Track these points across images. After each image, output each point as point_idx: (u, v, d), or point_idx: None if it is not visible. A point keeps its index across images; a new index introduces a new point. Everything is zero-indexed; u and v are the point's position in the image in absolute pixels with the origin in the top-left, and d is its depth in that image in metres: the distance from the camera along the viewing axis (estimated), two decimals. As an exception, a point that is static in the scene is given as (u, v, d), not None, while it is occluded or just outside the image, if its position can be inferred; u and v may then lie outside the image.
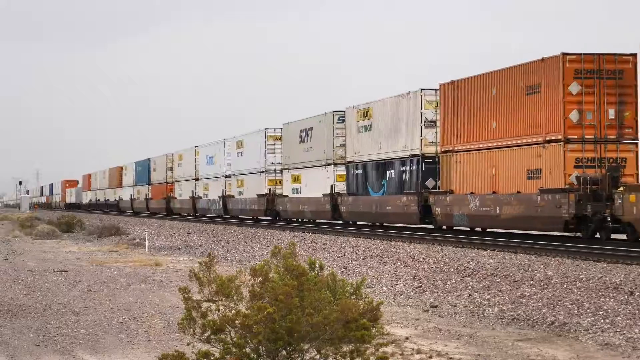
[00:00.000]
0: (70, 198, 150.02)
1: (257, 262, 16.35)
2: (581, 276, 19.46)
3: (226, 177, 65.07)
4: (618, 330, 13.97)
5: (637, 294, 16.87)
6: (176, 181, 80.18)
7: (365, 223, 43.64)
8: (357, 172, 43.23)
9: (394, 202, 39.00)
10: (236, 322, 9.56)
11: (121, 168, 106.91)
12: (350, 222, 44.86)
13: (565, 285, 18.50)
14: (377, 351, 9.87)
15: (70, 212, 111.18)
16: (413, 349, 12.60)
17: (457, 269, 22.65)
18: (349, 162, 44.39)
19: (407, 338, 13.63)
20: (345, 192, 44.53)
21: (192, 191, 73.17)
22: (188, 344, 11.33)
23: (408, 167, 38.15)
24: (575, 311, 15.71)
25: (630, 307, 15.71)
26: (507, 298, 17.73)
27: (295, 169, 51.74)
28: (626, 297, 16.70)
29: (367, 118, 42.36)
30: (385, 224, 41.90)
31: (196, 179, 73.16)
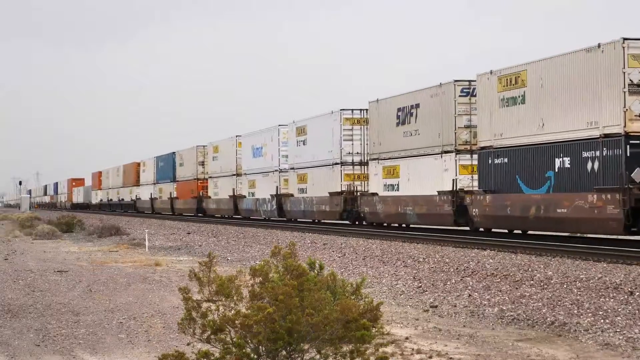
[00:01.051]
0: (78, 197, 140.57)
1: (257, 262, 16.37)
2: (581, 276, 19.46)
3: (281, 171, 53.61)
4: (618, 330, 13.98)
5: (637, 294, 16.88)
6: (210, 177, 68.70)
7: (515, 231, 33.07)
8: (498, 161, 31.86)
9: (573, 203, 27.62)
10: (236, 322, 9.56)
11: (138, 164, 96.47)
12: (482, 229, 33.87)
13: (565, 285, 18.51)
14: (377, 351, 9.87)
15: (78, 212, 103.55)
16: (413, 349, 12.60)
17: (457, 269, 22.66)
18: (484, 147, 32.57)
19: (407, 338, 13.63)
20: (477, 188, 33.47)
21: (233, 189, 61.99)
22: (188, 344, 11.34)
23: (598, 153, 26.84)
24: (575, 311, 15.71)
25: (630, 307, 15.72)
26: (507, 298, 17.74)
27: (390, 159, 40.10)
28: (626, 297, 16.70)
29: (516, 86, 30.79)
30: (552, 232, 30.98)
31: (237, 175, 61.93)
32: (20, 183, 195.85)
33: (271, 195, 54.42)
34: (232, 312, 9.75)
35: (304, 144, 50.42)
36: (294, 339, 9.55)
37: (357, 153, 44.81)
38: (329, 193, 45.35)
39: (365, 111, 44.08)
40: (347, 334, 9.57)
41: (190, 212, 73.57)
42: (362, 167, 44.54)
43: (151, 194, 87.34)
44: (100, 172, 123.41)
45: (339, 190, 44.61)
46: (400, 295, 19.51)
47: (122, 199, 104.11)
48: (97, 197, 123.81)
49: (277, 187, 53.52)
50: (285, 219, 52.94)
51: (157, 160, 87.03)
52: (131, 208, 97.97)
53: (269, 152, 56.01)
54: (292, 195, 51.45)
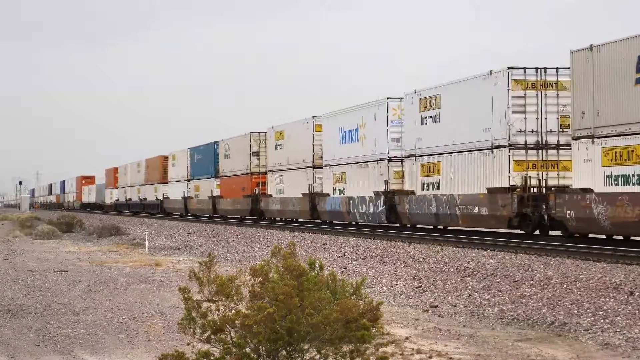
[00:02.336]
0: (89, 197, 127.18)
1: (257, 262, 16.36)
2: (581, 276, 19.46)
3: (390, 160, 40.32)
4: (618, 330, 13.97)
5: (637, 294, 16.87)
6: (271, 171, 54.42)
7: None
8: None
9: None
10: (236, 322, 9.56)
11: (165, 158, 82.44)
12: None
13: (565, 285, 18.51)
14: (377, 351, 9.87)
15: (90, 213, 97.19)
16: (413, 349, 12.60)
17: (457, 269, 22.65)
18: None
19: (407, 338, 13.63)
20: None
21: (310, 185, 48.35)
22: (188, 344, 11.34)
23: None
24: (575, 311, 15.71)
25: (630, 307, 15.71)
26: (507, 298, 17.73)
27: (627, 135, 25.40)
28: (626, 297, 16.70)
29: None
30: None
31: (313, 167, 48.47)
32: (20, 183, 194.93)
33: (375, 192, 40.70)
34: (232, 312, 9.74)
35: (434, 121, 36.43)
36: (294, 339, 9.55)
37: (532, 131, 31.61)
38: (488, 190, 32.02)
39: (542, 70, 31.43)
40: (347, 334, 9.57)
41: (240, 214, 59.73)
42: (541, 151, 31.59)
43: (184, 192, 72.73)
44: (116, 168, 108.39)
45: (507, 185, 31.27)
46: (400, 295, 19.51)
47: (145, 198, 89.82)
48: (112, 196, 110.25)
49: (385, 181, 40.13)
50: (398, 225, 39.64)
51: (191, 152, 72.05)
52: (156, 209, 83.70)
53: (368, 135, 42.25)
54: (411, 192, 37.90)
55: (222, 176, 63.55)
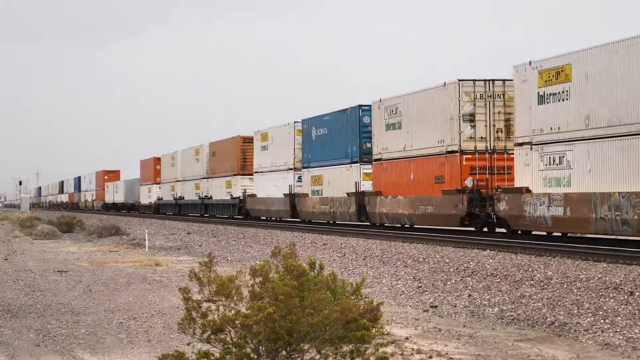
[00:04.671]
0: (115, 195, 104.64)
1: (257, 262, 16.36)
2: (581, 276, 19.46)
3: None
4: (618, 330, 13.98)
5: (637, 294, 16.87)
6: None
7: None
8: None
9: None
10: (236, 322, 9.56)
11: (245, 139, 60.44)
12: None
13: (565, 285, 18.51)
14: (377, 351, 9.87)
15: (126, 216, 79.15)
16: (413, 349, 12.60)
17: (457, 269, 22.65)
18: None
19: (407, 338, 13.63)
20: None
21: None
22: (188, 344, 11.34)
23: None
24: (575, 311, 15.71)
25: (630, 307, 15.72)
26: (507, 298, 17.74)
27: None
28: (626, 297, 16.70)
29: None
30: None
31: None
32: (20, 183, 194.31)
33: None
34: (232, 312, 9.75)
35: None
36: (294, 339, 9.55)
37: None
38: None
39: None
40: (347, 334, 9.57)
41: (443, 223, 35.30)
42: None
43: (290, 186, 50.23)
44: (156, 159, 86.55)
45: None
46: (400, 295, 19.51)
47: (208, 196, 67.58)
48: (150, 195, 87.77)
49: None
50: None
51: (306, 125, 48.72)
52: (230, 210, 62.21)
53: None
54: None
55: (379, 160, 39.33)
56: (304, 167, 49.03)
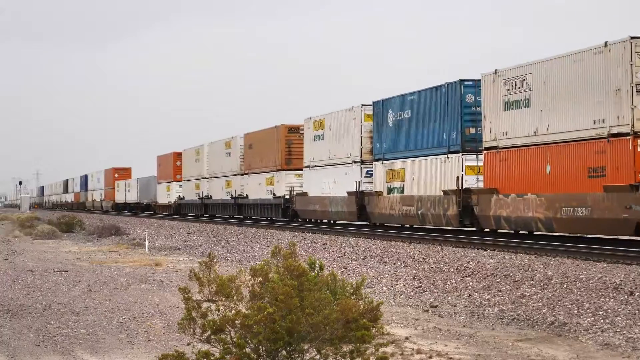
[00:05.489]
0: (128, 194, 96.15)
1: (257, 262, 16.36)
2: (581, 276, 19.46)
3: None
4: (618, 330, 13.97)
5: (637, 294, 16.87)
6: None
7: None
8: None
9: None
10: (236, 322, 9.56)
11: (291, 128, 53.14)
12: None
13: (565, 285, 18.51)
14: (377, 351, 9.87)
15: (124, 216, 74.83)
16: (413, 349, 12.60)
17: (457, 269, 22.65)
18: None
19: (407, 338, 13.63)
20: None
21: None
22: (188, 344, 11.34)
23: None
24: (575, 311, 15.71)
25: (630, 307, 15.72)
26: (507, 298, 17.73)
27: None
28: (626, 297, 16.70)
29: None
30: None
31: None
32: (20, 183, 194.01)
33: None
34: (232, 312, 9.74)
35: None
36: (294, 339, 9.55)
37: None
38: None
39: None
40: (347, 334, 9.57)
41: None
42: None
43: (357, 183, 42.25)
44: (177, 154, 78.37)
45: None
46: (400, 295, 19.51)
47: (242, 195, 59.77)
48: (169, 194, 79.52)
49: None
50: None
51: (381, 108, 40.32)
52: (271, 211, 54.52)
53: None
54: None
55: (493, 148, 31.48)
56: (375, 160, 40.53)
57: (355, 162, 42.73)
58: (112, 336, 14.30)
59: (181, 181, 76.61)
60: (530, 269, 21.30)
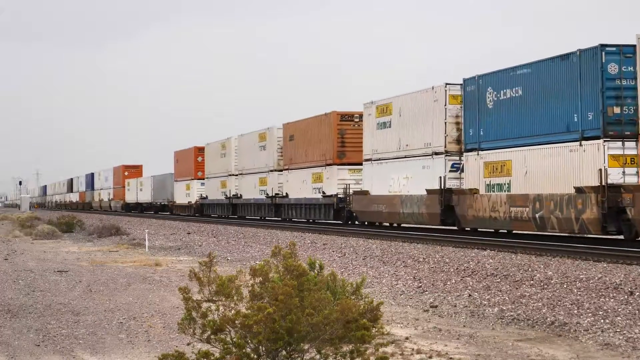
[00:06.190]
0: (139, 194, 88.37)
1: (257, 262, 16.36)
2: (581, 276, 19.46)
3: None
4: (618, 330, 13.97)
5: (637, 294, 16.87)
6: None
7: None
8: None
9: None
10: (236, 322, 9.56)
11: (343, 116, 46.18)
12: None
13: (565, 285, 18.51)
14: (377, 351, 9.87)
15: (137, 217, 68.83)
16: (413, 349, 12.60)
17: (457, 269, 22.65)
18: None
19: (407, 338, 13.63)
20: None
21: None
22: (188, 344, 11.34)
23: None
24: (575, 311, 15.71)
25: (630, 307, 15.72)
26: (507, 298, 17.73)
27: None
28: (626, 297, 16.70)
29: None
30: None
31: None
32: (20, 183, 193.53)
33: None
34: (232, 312, 9.74)
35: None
36: (294, 339, 9.55)
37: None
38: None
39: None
40: (347, 334, 9.57)
41: None
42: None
43: (441, 179, 35.18)
44: (198, 149, 70.82)
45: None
46: (400, 295, 19.50)
47: (281, 194, 53.08)
48: (189, 193, 72.41)
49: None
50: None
51: (476, 86, 33.64)
52: (319, 213, 47.86)
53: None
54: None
55: None
56: (467, 150, 33.77)
57: (437, 153, 35.62)
58: (112, 336, 14.30)
59: (203, 179, 69.43)
60: (530, 269, 21.30)
